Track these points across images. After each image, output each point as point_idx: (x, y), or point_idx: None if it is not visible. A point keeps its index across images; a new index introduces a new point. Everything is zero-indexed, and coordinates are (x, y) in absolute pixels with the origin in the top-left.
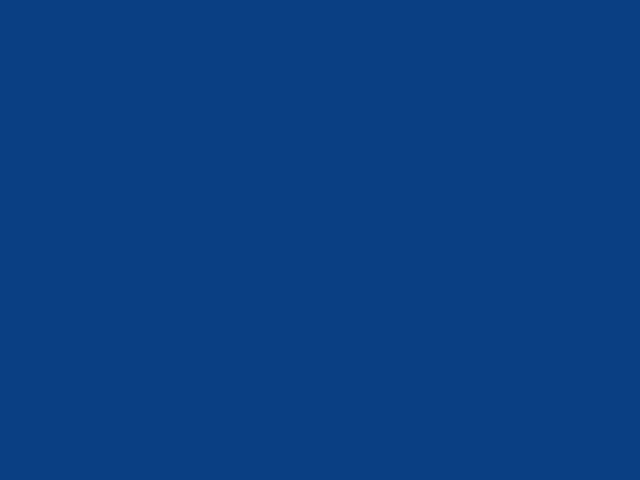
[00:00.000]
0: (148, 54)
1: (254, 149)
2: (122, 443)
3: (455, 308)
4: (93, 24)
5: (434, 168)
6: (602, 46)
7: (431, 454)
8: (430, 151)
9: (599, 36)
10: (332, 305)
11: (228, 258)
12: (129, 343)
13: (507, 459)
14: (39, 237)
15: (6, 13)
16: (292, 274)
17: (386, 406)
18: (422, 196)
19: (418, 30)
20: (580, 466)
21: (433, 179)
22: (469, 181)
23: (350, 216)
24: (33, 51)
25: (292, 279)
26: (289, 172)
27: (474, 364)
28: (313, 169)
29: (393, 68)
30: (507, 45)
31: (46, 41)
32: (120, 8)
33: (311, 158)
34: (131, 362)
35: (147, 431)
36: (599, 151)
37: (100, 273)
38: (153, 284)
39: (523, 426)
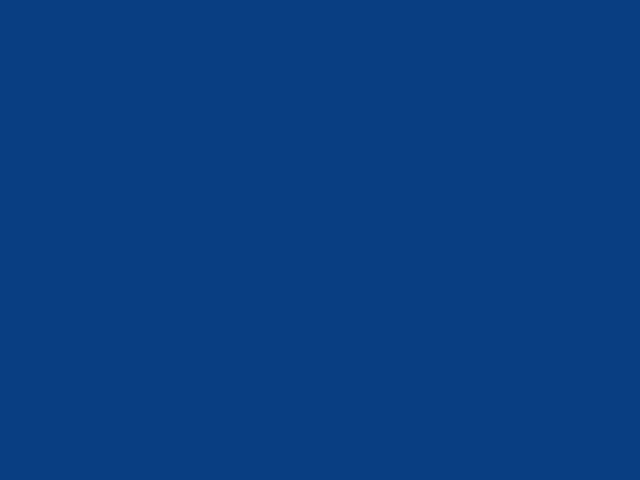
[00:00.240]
0: (148, 54)
1: (254, 149)
2: (122, 443)
3: (455, 308)
4: (93, 24)
5: (434, 168)
6: (602, 46)
7: (431, 454)
8: (430, 151)
9: (599, 36)
10: (332, 305)
11: (228, 258)
12: (129, 343)
13: (507, 459)
14: (39, 237)
15: (6, 13)
16: (292, 274)
17: (386, 406)
18: (422, 196)
19: (418, 30)
20: (580, 466)
21: (433, 179)
22: (469, 181)
23: (350, 216)
24: (33, 51)
25: (292, 279)
26: (289, 172)
27: (474, 364)
28: (313, 169)
29: (393, 68)
30: (507, 45)
31: (46, 41)
32: (120, 8)
33: (311, 158)
34: (131, 362)
35: (147, 431)
36: (599, 151)
37: (100, 273)
38: (153, 284)
39: (523, 426)
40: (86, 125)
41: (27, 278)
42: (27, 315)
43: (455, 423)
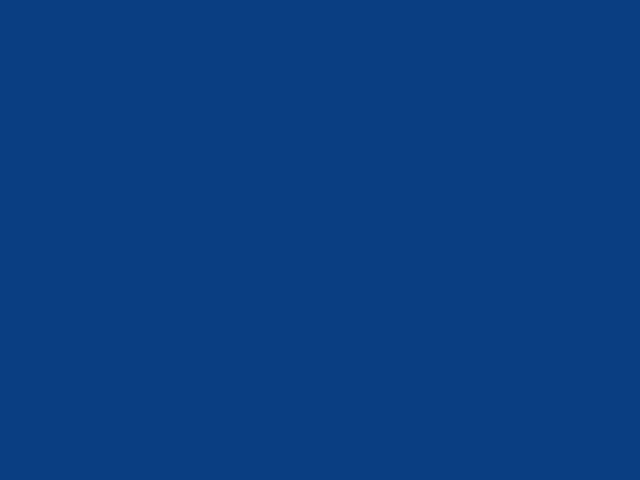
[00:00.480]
0: (148, 54)
1: (254, 149)
2: (122, 443)
3: (455, 308)
4: (93, 24)
5: (434, 168)
6: (602, 46)
7: (431, 454)
8: (430, 151)
9: (599, 36)
10: (332, 305)
11: (228, 258)
12: (129, 343)
13: (507, 459)
14: (39, 237)
15: (6, 13)
16: (292, 274)
17: (386, 406)
18: (422, 196)
19: (418, 30)
20: (580, 466)
21: (433, 179)
22: (469, 181)
23: (350, 216)
24: (33, 51)
25: (292, 279)
26: (289, 172)
27: (474, 364)
28: (313, 169)
29: (393, 68)
30: (507, 45)
31: (46, 41)
32: (120, 8)
33: (311, 158)
34: (131, 362)
35: (147, 431)
36: (599, 151)
37: (100, 273)
38: (153, 284)
39: (523, 426)
40: (86, 125)
41: (27, 278)
42: (27, 315)
43: (455, 423)
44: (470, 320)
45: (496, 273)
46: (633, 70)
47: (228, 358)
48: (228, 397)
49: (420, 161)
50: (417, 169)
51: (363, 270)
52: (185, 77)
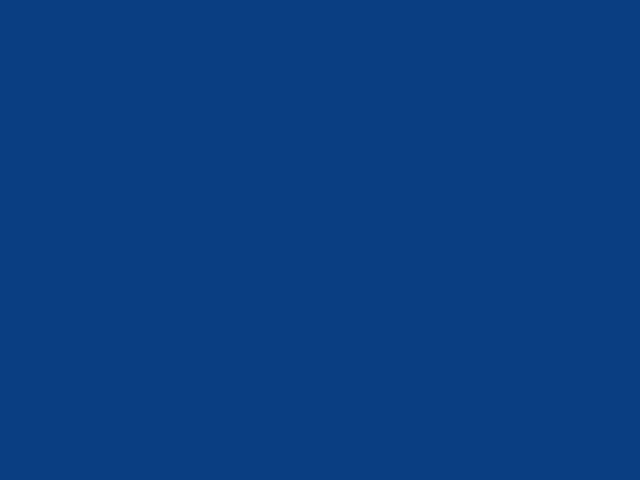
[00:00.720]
0: (148, 54)
1: (254, 149)
2: (122, 443)
3: (455, 308)
4: (93, 24)
5: (434, 168)
6: (602, 46)
7: (431, 454)
8: (430, 151)
9: (599, 36)
10: (332, 305)
11: (228, 258)
12: (129, 343)
13: (507, 459)
14: (39, 237)
15: (6, 13)
16: (292, 274)
17: (386, 406)
18: (422, 196)
19: (418, 30)
20: (580, 466)
21: (433, 179)
22: (469, 181)
23: (350, 216)
24: (33, 51)
25: (292, 279)
26: (289, 172)
27: (474, 364)
28: (313, 169)
29: (393, 68)
30: (507, 45)
31: (46, 41)
32: (120, 8)
33: (311, 158)
34: (131, 362)
35: (147, 431)
36: (599, 151)
37: (100, 273)
38: (153, 284)
39: (523, 426)
40: (86, 125)
41: (27, 278)
42: (27, 315)
43: (455, 423)
44: (470, 320)
45: (496, 273)
46: (633, 70)
47: (228, 358)
48: (228, 397)
49: (420, 161)
50: (417, 169)
51: (363, 270)
52: (185, 77)
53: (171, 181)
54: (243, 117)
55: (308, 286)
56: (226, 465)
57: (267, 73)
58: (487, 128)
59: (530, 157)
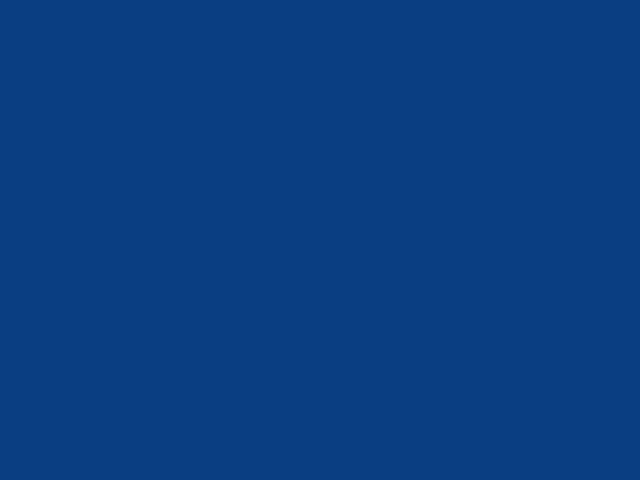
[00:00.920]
0: (148, 54)
1: (254, 149)
2: (122, 443)
3: (455, 308)
4: (93, 24)
5: (434, 168)
6: (602, 46)
7: (431, 454)
8: (430, 151)
9: (599, 36)
10: (332, 305)
11: (228, 258)
12: (129, 343)
13: (507, 459)
14: (39, 237)
15: (6, 13)
16: (292, 274)
17: (386, 406)
18: (422, 196)
19: (418, 30)
20: (580, 466)
21: (433, 179)
22: (469, 181)
23: (350, 216)
24: (33, 51)
25: (292, 279)
26: (289, 172)
27: (474, 364)
28: (313, 169)
29: (393, 68)
30: (507, 45)
31: (46, 41)
32: (120, 8)
33: (311, 158)
34: (131, 362)
35: (147, 431)
36: (599, 151)
37: (100, 273)
38: (153, 284)
39: (523, 426)
40: (86, 125)
41: (27, 278)
42: (27, 315)
43: (455, 423)
44: (470, 320)
45: (496, 273)
46: (633, 70)
47: (228, 358)
48: (228, 397)
49: (420, 161)
50: (417, 169)
51: (363, 270)
52: (185, 77)
53: (171, 181)
54: (243, 117)
55: (308, 286)
56: (226, 465)
57: (267, 73)
58: (487, 128)
59: (530, 157)
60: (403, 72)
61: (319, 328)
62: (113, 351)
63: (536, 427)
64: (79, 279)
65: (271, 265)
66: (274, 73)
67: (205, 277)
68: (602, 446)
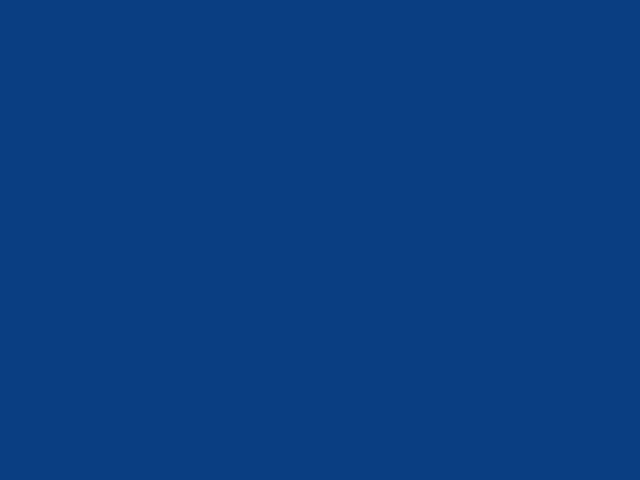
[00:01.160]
0: (148, 54)
1: (254, 149)
2: (122, 443)
3: (455, 308)
4: (93, 24)
5: (434, 168)
6: (602, 46)
7: (431, 454)
8: (430, 151)
9: (599, 36)
10: (332, 305)
11: (228, 258)
12: (129, 343)
13: (507, 459)
14: (39, 237)
15: (6, 13)
16: (292, 274)
17: (386, 406)
18: (422, 196)
19: (418, 30)
20: (580, 466)
21: (433, 179)
22: (469, 181)
23: (350, 216)
24: (33, 51)
25: (292, 279)
26: (289, 172)
27: (474, 364)
28: (313, 169)
29: (393, 68)
30: (507, 45)
31: (46, 41)
32: (120, 8)
33: (311, 158)
34: (131, 362)
35: (147, 431)
36: (599, 151)
37: (100, 273)
38: (153, 284)
39: (523, 426)
40: (86, 125)
41: (27, 278)
42: (27, 315)
43: (455, 423)
44: (470, 320)
45: (496, 273)
46: (633, 70)
47: (228, 358)
48: (228, 397)
49: (420, 161)
50: (417, 169)
51: (363, 270)
52: (185, 77)
53: (171, 181)
54: (243, 117)
55: (308, 286)
56: (226, 465)
57: (267, 73)
58: (487, 128)
59: (530, 157)
60: (403, 72)
61: (319, 328)
62: (113, 351)
63: (536, 427)
64: (79, 279)
65: (271, 265)
66: (274, 73)
67: (205, 277)
68: (602, 446)
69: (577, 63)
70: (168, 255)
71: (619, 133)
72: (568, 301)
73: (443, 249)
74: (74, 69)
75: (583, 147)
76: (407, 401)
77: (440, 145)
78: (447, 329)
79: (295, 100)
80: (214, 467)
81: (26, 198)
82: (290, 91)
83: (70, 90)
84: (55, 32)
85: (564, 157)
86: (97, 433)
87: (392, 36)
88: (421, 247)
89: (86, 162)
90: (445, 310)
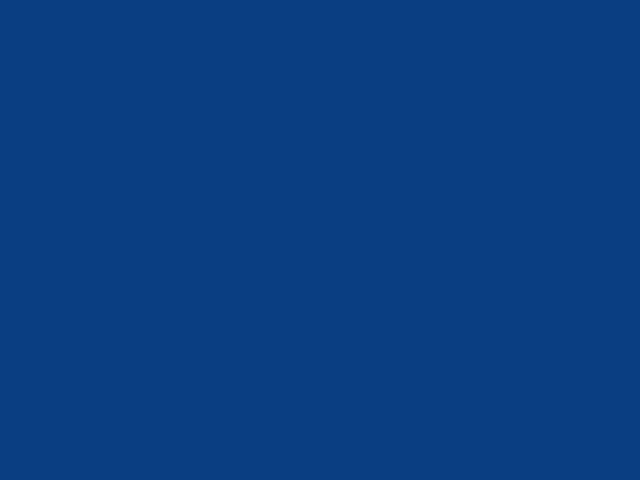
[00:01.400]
0: (148, 54)
1: (254, 149)
2: (122, 443)
3: (455, 308)
4: (93, 24)
5: (434, 168)
6: (602, 46)
7: (431, 454)
8: (430, 151)
9: (599, 36)
10: (332, 305)
11: (228, 258)
12: (129, 343)
13: (507, 459)
14: (39, 237)
15: (6, 13)
16: (292, 274)
17: (386, 406)
18: (422, 196)
19: (418, 30)
20: (580, 466)
21: (433, 179)
22: (469, 181)
23: (350, 216)
24: (33, 51)
25: (292, 279)
26: (289, 172)
27: (474, 364)
28: (313, 169)
29: (393, 68)
30: (507, 45)
31: (46, 41)
32: (120, 8)
33: (311, 158)
34: (131, 362)
35: (147, 431)
36: (599, 151)
37: (100, 273)
38: (153, 284)
39: (523, 426)
40: (86, 125)
41: (27, 278)
42: (27, 315)
43: (455, 423)
44: (470, 320)
45: (496, 273)
46: (633, 70)
47: (228, 358)
48: (228, 397)
49: (420, 161)
50: (417, 169)
51: (363, 270)
52: (185, 77)
53: (171, 181)
54: (243, 117)
55: (308, 286)
56: (226, 465)
57: (267, 73)
58: (487, 128)
59: (530, 157)
60: (403, 72)
61: (319, 328)
62: (113, 351)
63: (536, 427)
64: (79, 279)
65: (271, 265)
66: (274, 73)
67: (205, 276)
68: (602, 446)
69: (577, 63)
70: (168, 255)
71: (619, 133)
72: (568, 301)
73: (443, 249)
74: (74, 69)
75: (583, 147)
76: (407, 401)
77: (440, 145)
78: (447, 329)
79: (295, 100)
80: (214, 467)
81: (26, 198)
82: (290, 91)
83: (70, 90)
84: (55, 32)
85: (564, 157)
86: (97, 433)
87: (392, 36)
88: (421, 247)
89: (86, 162)
90: (445, 310)
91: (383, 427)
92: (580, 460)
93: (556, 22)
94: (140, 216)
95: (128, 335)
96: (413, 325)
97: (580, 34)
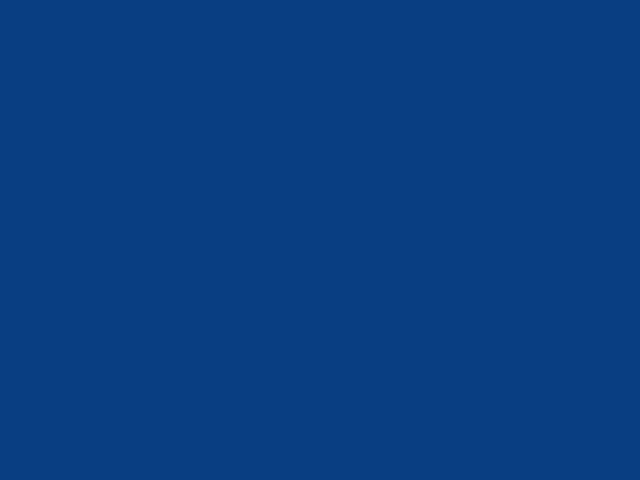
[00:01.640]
0: (148, 54)
1: (254, 149)
2: (122, 443)
3: (455, 308)
4: (93, 24)
5: (434, 168)
6: (602, 46)
7: (431, 454)
8: (430, 151)
9: (599, 36)
10: (332, 305)
11: (228, 258)
12: (129, 343)
13: (507, 459)
14: (39, 237)
15: (6, 13)
16: (292, 274)
17: (386, 406)
18: (422, 196)
19: (418, 30)
20: (580, 466)
21: (433, 179)
22: (469, 181)
23: (350, 216)
24: (33, 51)
25: (292, 279)
26: (289, 172)
27: (474, 364)
28: (313, 169)
29: (393, 68)
30: (507, 45)
31: (46, 41)
32: (120, 8)
33: (311, 158)
34: (131, 362)
35: (147, 431)
36: (599, 151)
37: (100, 273)
38: (153, 284)
39: (523, 426)
40: (86, 125)
41: (27, 278)
42: (27, 315)
43: (455, 423)
44: (470, 320)
45: (496, 273)
46: (633, 70)
47: (228, 358)
48: (228, 397)
49: (420, 161)
50: (417, 169)
51: (363, 270)
52: (185, 77)
53: (171, 181)
54: (243, 117)
55: (308, 286)
56: (226, 465)
57: (267, 73)
58: (487, 128)
59: (530, 157)
60: (403, 72)
61: (319, 328)
62: (113, 351)
63: (536, 427)
64: (79, 279)
65: (271, 265)
66: (274, 73)
67: (205, 276)
68: (602, 446)
69: (577, 63)
70: (168, 254)
71: (619, 133)
72: (568, 301)
73: (443, 249)
74: (74, 69)
75: (583, 147)
76: (407, 401)
77: (440, 145)
78: (447, 329)
79: (295, 100)
80: (214, 467)
81: (26, 198)
82: (290, 91)
83: (70, 90)
84: (55, 32)
85: (564, 157)
86: (97, 433)
87: (392, 36)
88: (421, 247)
89: (86, 162)
90: (445, 310)
91: (383, 427)
92: (580, 460)
93: (556, 22)
94: (140, 216)
95: (128, 335)
96: (413, 325)
97: (580, 34)
